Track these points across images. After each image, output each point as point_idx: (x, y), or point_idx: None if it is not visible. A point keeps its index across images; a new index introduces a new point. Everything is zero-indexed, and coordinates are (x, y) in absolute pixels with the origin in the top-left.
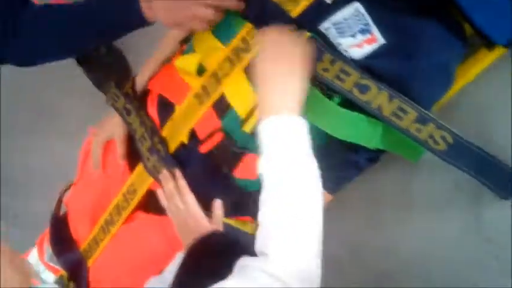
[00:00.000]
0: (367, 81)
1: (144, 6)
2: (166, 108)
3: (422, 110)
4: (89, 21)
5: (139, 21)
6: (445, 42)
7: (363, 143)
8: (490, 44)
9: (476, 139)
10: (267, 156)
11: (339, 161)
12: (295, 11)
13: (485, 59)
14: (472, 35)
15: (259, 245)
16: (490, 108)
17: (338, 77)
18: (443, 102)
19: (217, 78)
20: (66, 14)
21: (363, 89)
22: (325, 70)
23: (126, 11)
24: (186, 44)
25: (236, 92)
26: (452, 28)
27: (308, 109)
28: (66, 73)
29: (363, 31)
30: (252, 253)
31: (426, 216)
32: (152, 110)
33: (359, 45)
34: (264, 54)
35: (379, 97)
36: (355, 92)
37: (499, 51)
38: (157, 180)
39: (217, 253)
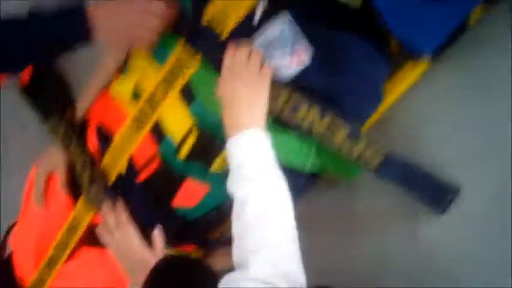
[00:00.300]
0: (296, 99)
1: (88, 22)
2: (105, 136)
3: (354, 126)
4: (33, 34)
5: (82, 36)
6: (371, 58)
7: (297, 166)
8: (415, 59)
9: (410, 154)
10: (237, 169)
11: None
12: (225, 33)
13: (412, 74)
14: (398, 51)
15: (236, 258)
16: (423, 122)
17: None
18: (376, 117)
19: (153, 102)
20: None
21: (294, 108)
22: None
23: (71, 25)
24: (124, 67)
25: (171, 117)
26: (378, 44)
27: None
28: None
29: (291, 50)
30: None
31: (364, 238)
32: (92, 139)
33: (288, 64)
34: (232, 74)
35: (310, 115)
36: (287, 111)
37: (424, 66)
38: (98, 212)
39: (179, 273)
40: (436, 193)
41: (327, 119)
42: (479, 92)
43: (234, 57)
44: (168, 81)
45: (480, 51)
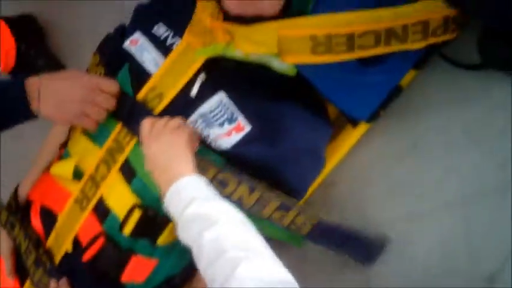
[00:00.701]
0: (225, 176)
1: (32, 97)
2: (49, 217)
3: (285, 198)
4: None
5: (25, 113)
6: (311, 124)
7: None
8: (354, 122)
9: (353, 214)
10: (190, 219)
11: None
12: (158, 108)
13: (352, 136)
14: (337, 114)
15: None
16: (363, 184)
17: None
18: (319, 181)
19: (95, 181)
20: None
21: (222, 183)
22: None
23: (13, 100)
24: (65, 148)
25: (114, 195)
26: (317, 109)
27: None
28: None
29: (230, 120)
30: None
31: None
32: (36, 220)
33: (227, 134)
34: (152, 137)
35: (239, 190)
36: (215, 185)
37: (364, 127)
38: None
39: None
40: (364, 250)
41: (256, 194)
42: (415, 151)
43: (153, 123)
44: (107, 161)
45: (414, 112)
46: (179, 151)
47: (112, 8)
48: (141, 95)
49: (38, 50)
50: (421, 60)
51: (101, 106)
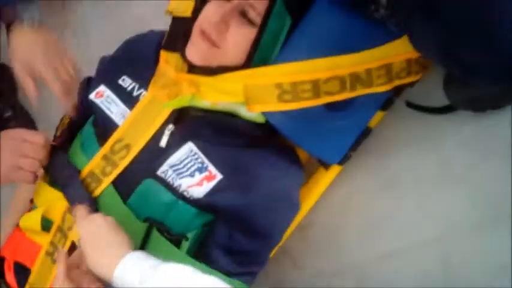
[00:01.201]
0: None
1: None
2: (23, 272)
3: None
4: None
5: None
6: (280, 169)
7: None
8: (325, 164)
9: (330, 255)
10: None
11: None
12: (126, 159)
13: (326, 178)
14: (309, 158)
15: None
16: (342, 222)
17: None
18: (295, 224)
19: (62, 232)
20: None
21: None
22: None
23: None
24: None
25: None
26: (285, 154)
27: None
28: None
29: (200, 169)
30: None
31: None
32: (9, 276)
33: (199, 183)
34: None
35: None
36: None
37: (335, 170)
38: None
39: None
40: None
41: None
42: (388, 189)
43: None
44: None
45: (385, 151)
46: (116, 247)
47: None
48: (107, 146)
49: (6, 101)
50: (388, 101)
51: (31, 157)
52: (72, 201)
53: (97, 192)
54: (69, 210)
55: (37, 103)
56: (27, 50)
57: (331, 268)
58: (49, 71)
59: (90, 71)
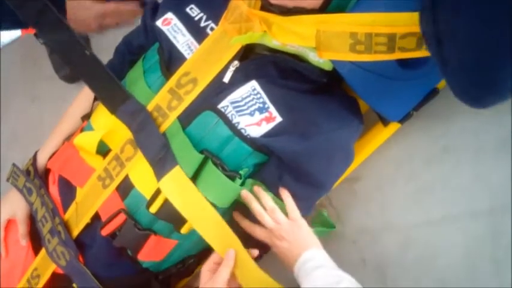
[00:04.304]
0: None
1: None
2: (68, 188)
3: None
4: None
5: None
6: (341, 119)
7: None
8: (385, 120)
9: (376, 212)
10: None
11: None
12: (192, 94)
13: (382, 134)
14: (368, 111)
15: None
16: (391, 182)
17: None
18: (345, 175)
19: (119, 161)
20: None
21: None
22: None
23: None
24: (88, 119)
25: (140, 174)
26: (348, 105)
27: (209, 190)
28: None
29: (261, 109)
30: None
31: None
32: (53, 189)
33: (257, 124)
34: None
35: None
36: None
37: (394, 127)
38: (58, 264)
39: None
40: None
41: None
42: (444, 155)
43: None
44: (134, 145)
45: (447, 114)
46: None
47: None
48: (174, 79)
49: None
50: None
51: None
52: (145, 145)
53: (164, 127)
54: (130, 142)
55: None
56: None
57: (375, 225)
58: None
59: None
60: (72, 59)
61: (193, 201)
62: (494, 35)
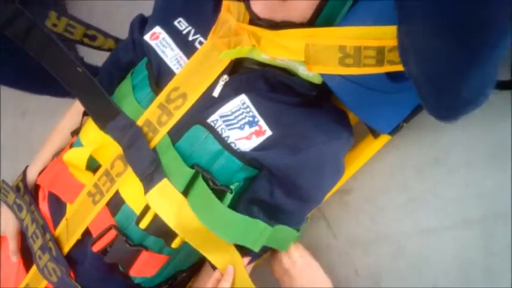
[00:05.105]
0: None
1: None
2: (58, 204)
3: None
4: None
5: None
6: (331, 132)
7: (248, 245)
8: (375, 132)
9: (367, 223)
10: None
11: None
12: (182, 109)
13: (373, 146)
14: (358, 123)
15: None
16: (383, 193)
17: None
18: (336, 188)
19: (109, 177)
20: None
21: None
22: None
23: None
24: (77, 135)
25: (131, 189)
26: (338, 118)
27: (196, 207)
28: None
29: (251, 123)
30: None
31: None
32: (44, 205)
33: (247, 137)
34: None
35: None
36: None
37: (384, 139)
38: (49, 281)
39: None
40: None
41: None
42: (435, 165)
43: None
44: (124, 160)
45: (437, 125)
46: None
47: None
48: (163, 94)
49: None
50: None
51: None
52: (135, 160)
53: (154, 142)
54: (120, 157)
55: None
56: None
57: (367, 236)
58: None
59: None
60: (64, 76)
61: (182, 213)
62: (438, 45)
